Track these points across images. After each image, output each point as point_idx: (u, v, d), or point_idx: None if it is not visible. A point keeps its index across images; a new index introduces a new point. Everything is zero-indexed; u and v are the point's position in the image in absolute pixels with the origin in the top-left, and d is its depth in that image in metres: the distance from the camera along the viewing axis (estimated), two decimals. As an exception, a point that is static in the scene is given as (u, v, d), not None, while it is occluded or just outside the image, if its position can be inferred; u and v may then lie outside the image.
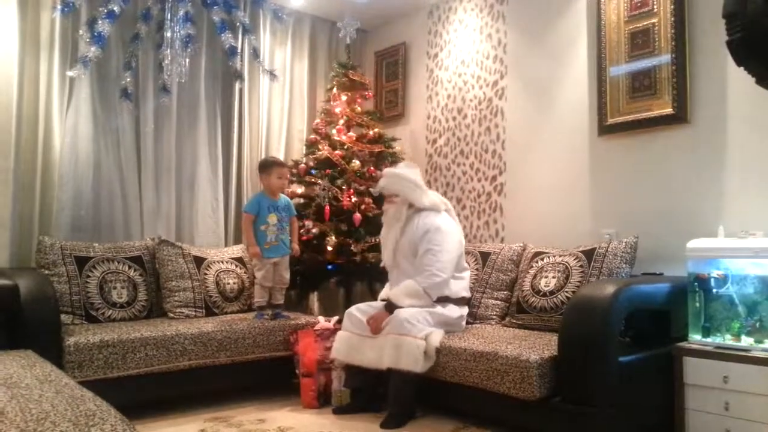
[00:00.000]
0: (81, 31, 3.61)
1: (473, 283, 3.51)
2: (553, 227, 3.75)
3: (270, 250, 3.61)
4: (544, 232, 3.76)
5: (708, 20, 3.07)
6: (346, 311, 3.31)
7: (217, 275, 3.84)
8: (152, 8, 3.78)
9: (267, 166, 3.73)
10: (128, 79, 3.86)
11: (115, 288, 3.50)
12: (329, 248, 3.94)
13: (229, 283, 3.86)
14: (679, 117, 3.15)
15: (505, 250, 3.64)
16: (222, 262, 3.93)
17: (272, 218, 3.63)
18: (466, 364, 2.81)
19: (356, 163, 4.13)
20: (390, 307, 3.15)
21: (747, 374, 2.41)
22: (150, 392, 3.09)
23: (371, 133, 4.35)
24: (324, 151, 4.18)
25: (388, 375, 3.01)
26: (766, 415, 2.36)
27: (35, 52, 3.64)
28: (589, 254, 3.18)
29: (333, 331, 3.36)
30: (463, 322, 3.28)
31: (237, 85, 4.40)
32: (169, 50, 3.62)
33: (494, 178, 4.15)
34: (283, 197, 3.77)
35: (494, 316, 3.45)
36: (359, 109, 4.44)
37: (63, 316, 3.14)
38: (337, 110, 4.33)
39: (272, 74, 4.26)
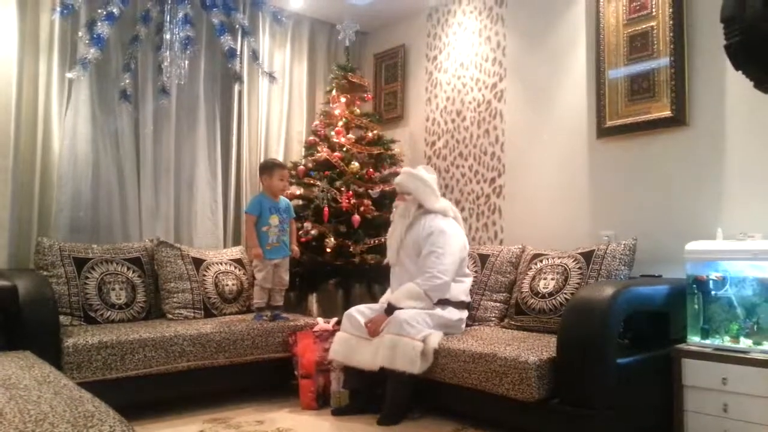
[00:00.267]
0: (80, 33, 3.63)
1: (472, 285, 3.51)
2: (551, 229, 3.75)
3: (272, 251, 3.62)
4: (543, 234, 3.77)
5: (707, 23, 3.08)
6: (345, 312, 3.31)
7: (216, 276, 3.84)
8: (151, 10, 3.78)
9: (268, 167, 3.74)
10: (127, 81, 3.86)
11: (113, 289, 3.50)
12: (328, 250, 3.94)
13: (227, 285, 3.86)
14: (678, 120, 3.16)
15: (504, 252, 3.64)
16: (221, 264, 3.93)
17: (274, 219, 3.63)
18: (465, 366, 2.81)
19: (355, 164, 4.14)
20: (389, 309, 3.15)
21: (746, 376, 2.41)
22: (149, 393, 3.09)
23: (370, 135, 4.36)
24: (323, 152, 4.19)
25: (386, 376, 3.01)
26: (765, 417, 2.36)
27: (34, 53, 3.64)
28: (587, 256, 3.19)
29: (332, 333, 3.36)
30: (463, 325, 3.28)
31: (236, 87, 4.41)
32: (168, 52, 3.63)
33: (493, 180, 4.15)
34: (284, 199, 3.78)
35: (493, 318, 3.45)
36: (358, 111, 4.45)
37: (62, 317, 3.14)
38: (336, 112, 4.33)
39: (271, 76, 4.26)
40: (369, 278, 4.18)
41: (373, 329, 3.12)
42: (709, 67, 3.09)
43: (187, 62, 3.71)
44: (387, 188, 4.15)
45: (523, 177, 3.97)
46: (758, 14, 1.52)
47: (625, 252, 3.09)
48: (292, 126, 4.84)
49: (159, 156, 4.12)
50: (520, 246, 3.64)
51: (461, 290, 3.33)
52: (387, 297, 3.39)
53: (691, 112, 3.16)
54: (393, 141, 4.49)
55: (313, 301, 4.58)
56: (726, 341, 2.57)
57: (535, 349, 2.67)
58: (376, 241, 4.01)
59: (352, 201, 4.04)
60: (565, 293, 3.11)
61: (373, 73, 5.11)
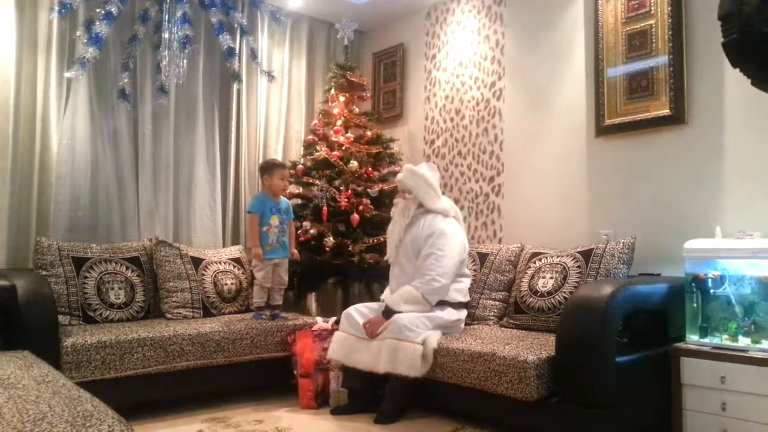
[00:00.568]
0: (79, 32, 3.62)
1: (471, 284, 3.50)
2: (550, 228, 3.76)
3: (271, 251, 3.61)
4: (542, 232, 3.77)
5: (705, 21, 3.08)
6: (344, 312, 3.31)
7: (215, 276, 3.84)
8: (150, 9, 3.77)
9: (269, 167, 3.73)
10: (126, 80, 3.85)
11: (112, 289, 3.49)
12: (327, 249, 3.94)
13: (227, 284, 3.86)
14: (677, 118, 3.16)
15: (502, 250, 3.64)
16: (220, 263, 3.93)
17: (274, 220, 3.63)
18: (464, 365, 2.81)
19: (354, 163, 4.13)
20: (387, 312, 3.13)
21: (744, 374, 2.41)
22: (147, 393, 3.09)
23: (369, 133, 4.35)
24: (322, 151, 4.19)
25: (385, 376, 3.01)
26: (763, 415, 2.36)
27: (33, 52, 3.64)
28: (586, 255, 3.19)
29: (331, 332, 3.36)
30: (462, 325, 3.28)
31: (235, 86, 4.40)
32: (166, 51, 3.62)
33: (492, 179, 4.15)
34: (284, 199, 3.77)
35: (492, 317, 3.45)
36: (357, 110, 4.45)
37: (60, 317, 3.14)
38: (335, 111, 4.33)
39: (270, 75, 4.26)
40: (368, 277, 4.17)
41: (371, 331, 3.12)
42: (708, 65, 3.09)
43: (185, 61, 3.70)
44: (386, 187, 4.15)
45: (522, 176, 3.97)
46: (755, 12, 1.52)
47: (623, 250, 3.09)
48: (291, 125, 4.84)
49: (158, 155, 4.12)
50: (519, 245, 3.65)
51: (460, 291, 3.32)
52: (386, 296, 3.39)
53: (689, 111, 3.16)
54: (392, 140, 4.49)
55: (312, 300, 4.58)
56: (724, 340, 2.57)
57: (534, 348, 2.67)
58: (375, 240, 4.01)
59: (351, 200, 4.04)
60: (564, 292, 3.11)
61: (371, 72, 5.10)
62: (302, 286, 4.30)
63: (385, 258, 3.52)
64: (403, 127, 4.87)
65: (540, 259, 3.37)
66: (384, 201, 4.14)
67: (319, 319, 3.62)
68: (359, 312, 3.25)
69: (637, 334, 2.83)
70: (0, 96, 3.48)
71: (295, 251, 3.77)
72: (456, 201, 4.32)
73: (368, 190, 4.11)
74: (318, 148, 4.24)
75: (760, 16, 1.50)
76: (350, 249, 3.95)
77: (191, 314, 3.65)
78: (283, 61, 4.79)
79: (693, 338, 2.66)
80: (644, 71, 3.30)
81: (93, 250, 3.57)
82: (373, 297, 4.09)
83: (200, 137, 4.33)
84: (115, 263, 3.59)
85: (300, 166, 4.29)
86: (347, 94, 4.42)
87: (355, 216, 3.99)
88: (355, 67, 4.66)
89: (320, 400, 3.32)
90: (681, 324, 2.73)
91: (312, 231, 3.99)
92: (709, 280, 2.65)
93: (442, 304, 3.21)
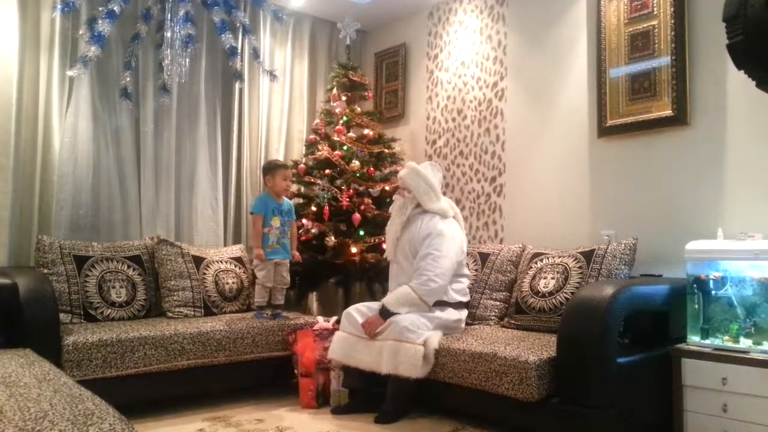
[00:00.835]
0: (81, 31, 3.62)
1: (472, 284, 3.51)
2: (552, 228, 3.75)
3: (272, 252, 3.60)
4: (544, 233, 3.77)
5: (708, 22, 3.08)
6: (345, 311, 3.30)
7: (216, 275, 3.84)
8: (152, 8, 3.78)
9: (271, 168, 3.73)
10: (128, 79, 3.86)
11: (113, 287, 3.50)
12: (328, 248, 3.93)
13: (228, 283, 3.86)
14: (679, 119, 3.16)
15: (504, 251, 3.64)
16: (221, 262, 3.93)
17: (276, 221, 3.62)
18: (465, 365, 2.81)
19: (356, 163, 4.13)
20: (384, 312, 3.12)
21: (745, 376, 2.41)
22: (148, 392, 3.09)
23: (371, 133, 4.35)
24: (323, 151, 4.19)
25: (386, 375, 3.00)
26: (765, 417, 2.36)
27: (35, 51, 3.64)
28: (588, 255, 3.19)
29: (332, 331, 3.36)
30: (462, 325, 3.27)
31: (237, 86, 4.40)
32: (169, 50, 3.63)
33: (494, 179, 4.15)
34: (287, 201, 3.77)
35: (493, 317, 3.45)
36: (359, 109, 4.45)
37: (62, 315, 3.14)
38: (337, 110, 4.33)
39: (272, 74, 4.26)
40: (369, 277, 4.17)
41: (369, 330, 3.10)
42: (711, 67, 3.08)
43: (187, 60, 3.71)
44: (387, 187, 4.15)
45: (524, 176, 3.97)
46: (760, 14, 1.52)
47: (625, 251, 3.08)
48: (293, 124, 4.84)
49: (159, 154, 4.12)
50: (521, 245, 3.64)
51: (459, 291, 3.31)
52: None
53: (692, 112, 3.15)
54: (394, 139, 4.49)
55: (313, 299, 4.59)
56: (726, 341, 2.57)
57: (535, 348, 2.67)
58: (377, 240, 4.01)
59: (353, 199, 4.04)
60: (566, 292, 3.10)
61: (373, 72, 5.10)
62: (303, 286, 4.30)
63: (384, 255, 3.52)
64: (405, 127, 4.86)
65: (541, 260, 3.37)
66: (385, 201, 4.14)
67: (320, 318, 3.61)
68: (360, 312, 3.25)
69: (639, 335, 2.82)
70: (2, 94, 3.48)
71: (296, 253, 3.76)
72: (457, 201, 4.32)
73: (370, 189, 4.11)
74: (320, 147, 4.24)
75: (765, 17, 1.50)
76: (351, 248, 3.95)
77: (192, 313, 3.65)
78: (286, 61, 4.79)
79: (694, 339, 2.66)
80: (647, 72, 3.30)
81: (94, 249, 3.57)
82: (374, 296, 4.10)
83: (202, 136, 4.33)
84: (117, 262, 3.59)
85: (302, 165, 4.30)
86: (349, 94, 4.42)
87: (357, 216, 3.99)
88: (357, 67, 4.66)
89: (321, 400, 3.32)
90: (682, 325, 2.73)
91: (313, 230, 3.99)
92: (711, 282, 2.65)
93: (442, 304, 3.21)
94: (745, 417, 2.41)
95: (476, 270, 3.64)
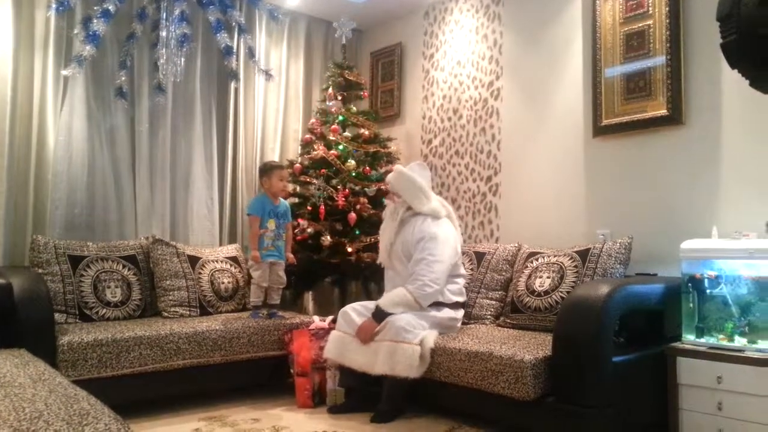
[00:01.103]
0: (76, 30, 3.62)
1: (468, 283, 3.51)
2: (547, 227, 3.76)
3: (267, 254, 3.60)
4: (539, 232, 3.77)
5: (703, 22, 3.09)
6: (341, 310, 3.30)
7: (212, 274, 3.84)
8: (147, 7, 3.77)
9: (268, 169, 3.73)
10: (123, 78, 3.84)
11: (109, 287, 3.49)
12: (324, 247, 3.93)
13: (223, 283, 3.85)
14: (674, 118, 3.17)
15: (499, 250, 3.65)
16: (216, 262, 3.93)
17: (271, 224, 3.62)
18: (461, 365, 2.82)
19: (351, 162, 4.13)
20: (378, 315, 3.11)
21: (740, 374, 2.42)
22: (144, 391, 3.08)
23: (366, 133, 4.35)
24: (319, 150, 4.18)
25: (381, 375, 3.00)
26: (760, 415, 2.37)
27: (30, 50, 3.62)
28: (583, 254, 3.19)
29: (328, 331, 3.36)
30: (458, 324, 3.28)
31: (232, 85, 4.39)
32: (164, 49, 3.61)
33: (489, 178, 4.16)
34: (283, 202, 3.76)
35: (489, 316, 3.45)
36: (355, 109, 4.45)
37: (57, 315, 3.13)
38: (333, 110, 4.33)
39: (268, 74, 4.25)
40: (365, 276, 4.17)
41: (363, 337, 3.09)
42: (706, 66, 3.09)
43: (183, 60, 3.69)
44: (383, 186, 4.15)
45: (520, 175, 3.97)
46: (753, 13, 1.53)
47: (620, 250, 3.09)
48: (289, 124, 4.84)
49: (155, 153, 4.11)
50: (516, 244, 3.65)
51: (455, 291, 3.31)
52: None
53: (687, 111, 3.16)
54: (389, 139, 4.49)
55: (309, 299, 4.58)
56: (721, 340, 2.58)
57: (531, 347, 2.67)
58: (372, 239, 4.00)
59: (349, 199, 4.04)
60: (561, 291, 3.11)
61: (369, 71, 5.10)
62: (299, 285, 4.30)
63: (378, 261, 3.51)
64: (401, 127, 4.87)
65: (537, 259, 3.38)
66: (381, 200, 4.14)
67: (315, 318, 3.61)
68: (356, 311, 3.24)
69: (634, 334, 2.83)
70: (-4, 93, 3.48)
71: (291, 255, 3.75)
72: (453, 200, 4.32)
73: (365, 189, 4.11)
74: (315, 146, 4.23)
75: (759, 16, 1.51)
76: (347, 248, 3.95)
77: (188, 313, 3.64)
78: (281, 60, 4.78)
79: (689, 338, 2.66)
80: (642, 71, 3.30)
81: (89, 248, 3.56)
82: (370, 296, 4.10)
83: (197, 135, 4.32)
84: (112, 261, 3.58)
85: (297, 164, 4.29)
86: (345, 93, 4.43)
87: (353, 215, 3.99)
88: (353, 66, 4.66)
89: (317, 399, 3.32)
90: (677, 324, 2.73)
91: (309, 230, 3.99)
92: (706, 281, 2.65)
93: (438, 304, 3.21)
94: (740, 415, 2.41)
95: (472, 269, 3.65)
